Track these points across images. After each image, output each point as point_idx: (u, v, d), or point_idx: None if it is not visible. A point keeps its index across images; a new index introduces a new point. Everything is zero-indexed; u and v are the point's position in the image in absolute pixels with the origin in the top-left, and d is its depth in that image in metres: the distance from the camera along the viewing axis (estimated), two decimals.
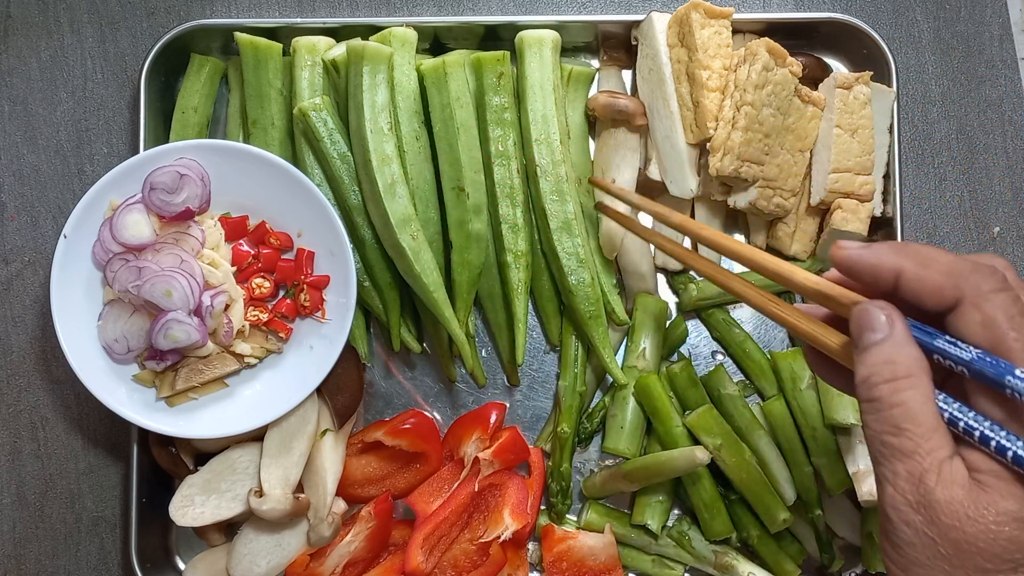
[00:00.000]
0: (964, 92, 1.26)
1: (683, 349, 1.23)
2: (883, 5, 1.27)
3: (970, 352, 0.67)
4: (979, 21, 1.27)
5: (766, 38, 1.13)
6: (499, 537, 1.13)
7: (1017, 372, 0.65)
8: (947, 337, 0.69)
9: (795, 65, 1.14)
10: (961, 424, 0.67)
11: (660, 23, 1.16)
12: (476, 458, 1.15)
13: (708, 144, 1.14)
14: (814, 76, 1.19)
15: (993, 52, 1.26)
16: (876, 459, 0.69)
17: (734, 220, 1.23)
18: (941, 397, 0.68)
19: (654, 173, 1.18)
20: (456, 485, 1.16)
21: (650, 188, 1.20)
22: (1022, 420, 0.66)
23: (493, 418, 1.18)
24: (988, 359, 0.66)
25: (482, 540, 1.14)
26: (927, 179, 1.26)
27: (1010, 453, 0.65)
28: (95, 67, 1.26)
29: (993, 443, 0.66)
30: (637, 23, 1.19)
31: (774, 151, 1.14)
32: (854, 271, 0.73)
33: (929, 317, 0.70)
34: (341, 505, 1.15)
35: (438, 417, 1.22)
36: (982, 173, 1.25)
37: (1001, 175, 1.25)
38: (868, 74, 1.17)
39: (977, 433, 0.67)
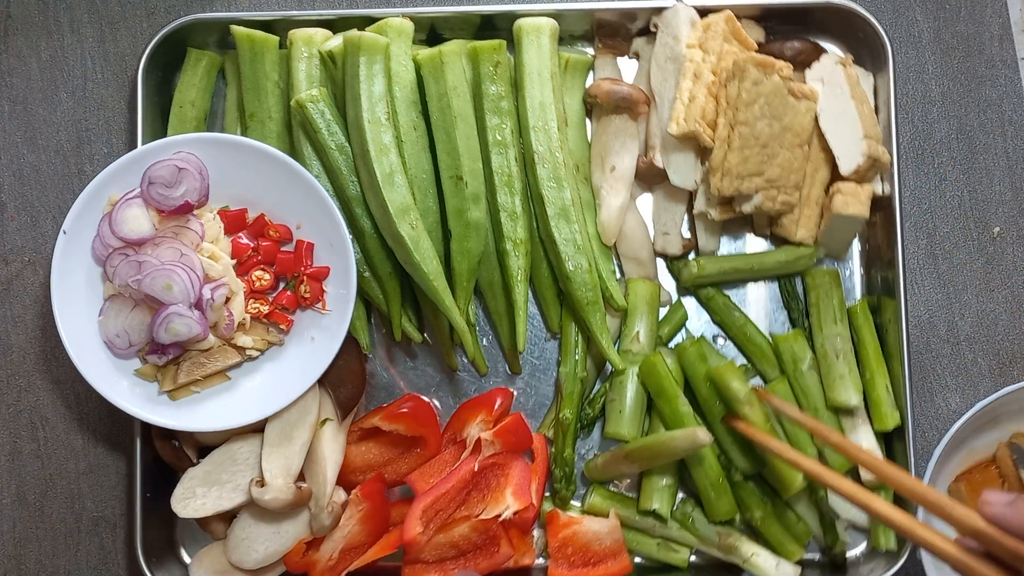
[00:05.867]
0: (964, 92, 1.26)
1: (682, 334, 1.23)
2: (883, 5, 1.26)
3: None
4: (979, 21, 1.26)
5: (751, 53, 1.14)
6: (500, 516, 1.11)
7: None
8: None
9: (784, 68, 1.13)
10: None
11: (685, 14, 1.16)
12: (479, 438, 1.14)
13: (707, 163, 1.14)
14: (807, 60, 1.19)
15: (993, 52, 1.26)
16: None
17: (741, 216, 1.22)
18: None
19: (660, 160, 1.18)
20: (458, 464, 1.16)
21: (652, 175, 1.20)
22: None
23: (498, 402, 1.18)
24: None
25: (482, 518, 1.12)
26: (927, 179, 1.25)
27: None
28: (95, 67, 1.26)
29: None
30: (653, 11, 1.19)
31: (774, 152, 1.14)
32: (1005, 528, 0.78)
33: None
34: (341, 495, 1.15)
35: (438, 405, 1.22)
36: (982, 173, 1.25)
37: (1001, 175, 1.25)
38: (851, 57, 1.18)
39: None
